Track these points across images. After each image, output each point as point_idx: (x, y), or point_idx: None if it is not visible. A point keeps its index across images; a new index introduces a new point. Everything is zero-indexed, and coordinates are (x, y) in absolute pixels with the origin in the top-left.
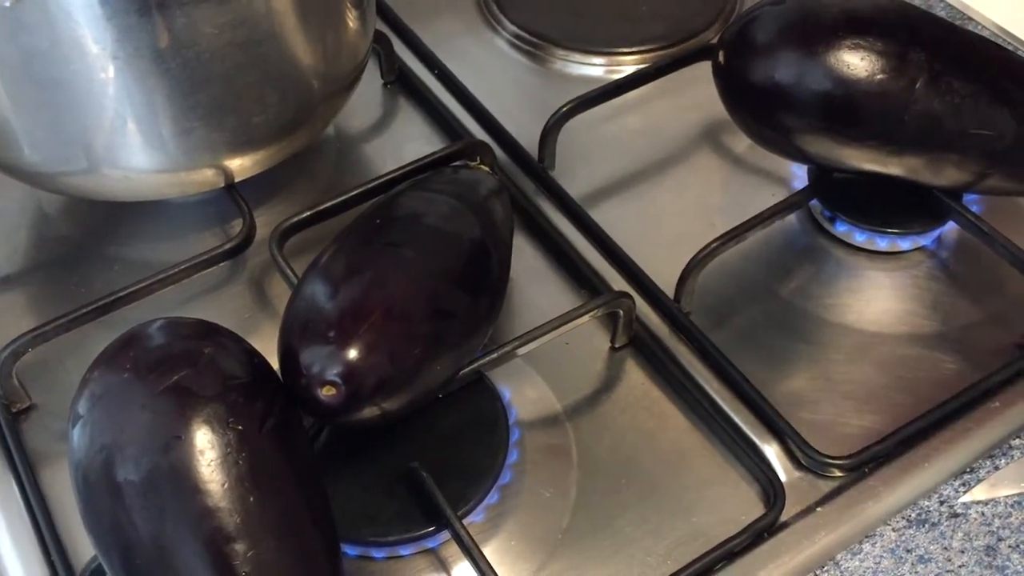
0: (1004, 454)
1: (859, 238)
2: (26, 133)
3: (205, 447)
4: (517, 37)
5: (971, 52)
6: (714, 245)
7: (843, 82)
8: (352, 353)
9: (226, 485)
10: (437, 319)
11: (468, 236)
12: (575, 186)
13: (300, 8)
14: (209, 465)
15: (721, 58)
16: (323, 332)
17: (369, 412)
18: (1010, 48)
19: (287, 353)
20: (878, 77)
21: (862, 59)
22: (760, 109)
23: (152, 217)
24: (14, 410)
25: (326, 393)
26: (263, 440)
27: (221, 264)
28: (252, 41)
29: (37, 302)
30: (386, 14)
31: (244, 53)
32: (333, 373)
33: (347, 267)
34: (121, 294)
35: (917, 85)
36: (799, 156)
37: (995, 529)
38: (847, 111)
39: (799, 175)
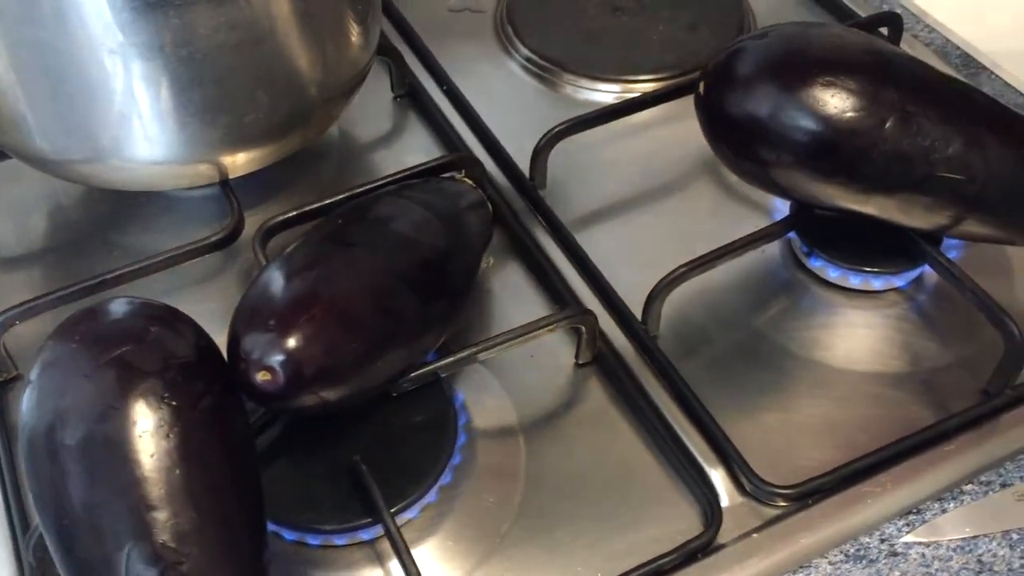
0: (954, 498)
1: (832, 274)
2: (36, 121)
3: (138, 419)
4: (529, 60)
5: (947, 96)
6: (682, 270)
7: (815, 118)
8: (290, 341)
9: (154, 456)
10: (382, 317)
11: (429, 243)
12: (565, 206)
13: (299, 16)
14: (140, 436)
15: (701, 89)
16: (265, 320)
17: (308, 400)
18: (1009, 104)
19: (232, 339)
20: (848, 115)
21: (833, 96)
22: (737, 140)
23: (156, 209)
24: (1, 379)
25: (262, 378)
26: (196, 417)
27: (208, 256)
28: (247, 43)
29: (39, 281)
30: (403, 28)
31: (239, 54)
32: (270, 359)
33: (299, 262)
34: (108, 276)
35: (887, 125)
36: (775, 189)
37: (933, 571)
38: (817, 147)
39: (785, 210)
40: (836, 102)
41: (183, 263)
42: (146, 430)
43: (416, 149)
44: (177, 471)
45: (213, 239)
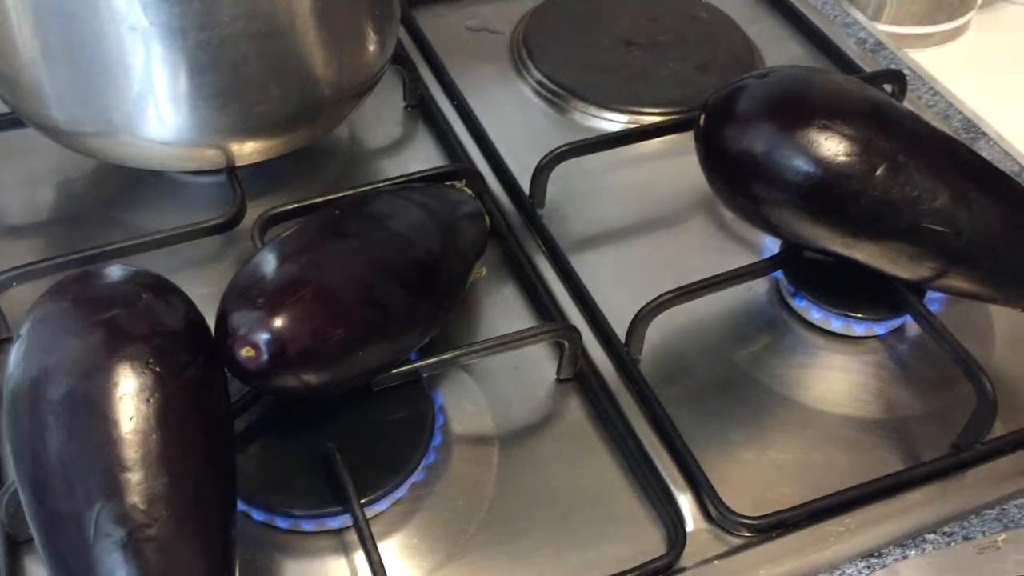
0: (916, 546)
1: (815, 315)
2: (54, 91)
3: (121, 380)
4: (540, 84)
5: (939, 151)
6: (667, 297)
7: (808, 159)
8: (276, 321)
9: (133, 419)
10: (369, 308)
11: (422, 243)
12: (562, 226)
13: (318, 14)
14: (121, 398)
15: (702, 122)
16: (254, 299)
17: (289, 381)
18: (1012, 170)
19: (220, 314)
20: (840, 159)
21: (827, 139)
22: (733, 176)
23: (163, 191)
24: None
25: (246, 354)
26: (178, 385)
27: (208, 240)
28: (265, 34)
29: (41, 250)
30: (420, 41)
31: (256, 44)
32: (255, 336)
33: (293, 246)
34: (108, 248)
35: (877, 172)
36: (765, 226)
37: None
38: (809, 187)
39: (776, 249)
40: (830, 145)
41: (182, 243)
42: (127, 392)
43: (421, 158)
44: (154, 436)
45: (213, 222)
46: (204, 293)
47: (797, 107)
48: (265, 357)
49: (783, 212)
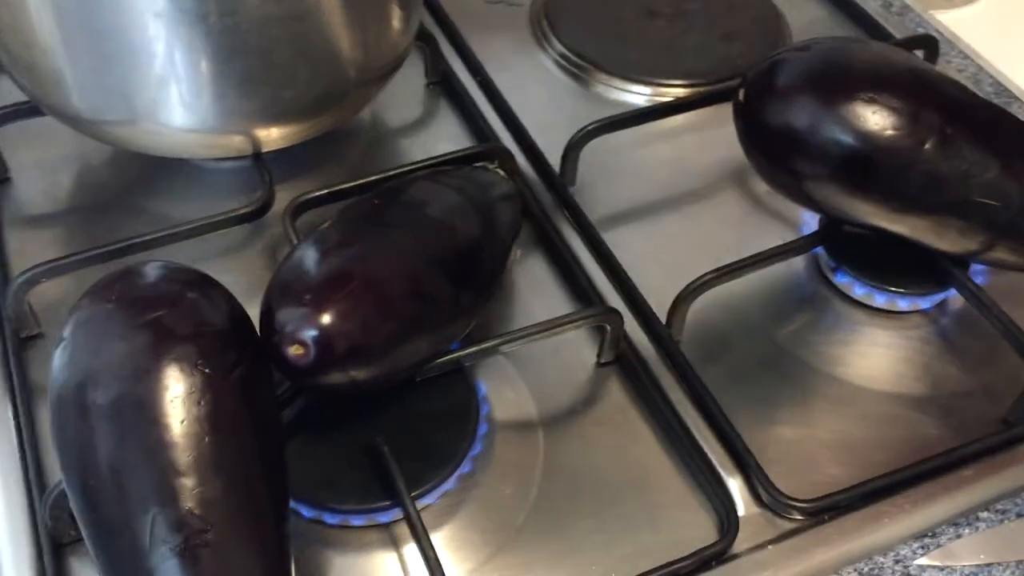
0: (969, 524)
1: (858, 291)
2: (75, 79)
3: (171, 383)
4: (563, 57)
5: (987, 122)
6: (708, 277)
7: (854, 133)
8: (325, 317)
9: (184, 422)
10: (415, 301)
11: (463, 230)
12: (593, 204)
13: None
14: (172, 401)
15: (741, 97)
16: (301, 295)
17: (337, 378)
18: None
19: (266, 311)
20: (888, 133)
21: (874, 113)
22: (774, 151)
23: (185, 178)
24: (22, 335)
25: (294, 352)
26: (228, 386)
27: (242, 228)
28: (292, 17)
29: (64, 240)
30: (439, 17)
31: (283, 28)
32: (303, 333)
33: (337, 239)
34: (137, 240)
35: (926, 145)
36: (807, 202)
37: None
38: (854, 162)
39: (811, 223)
40: (877, 119)
41: (212, 232)
42: (177, 395)
43: (446, 137)
44: (206, 439)
45: (243, 211)
46: (235, 281)
47: (841, 79)
48: (314, 354)
49: (827, 188)
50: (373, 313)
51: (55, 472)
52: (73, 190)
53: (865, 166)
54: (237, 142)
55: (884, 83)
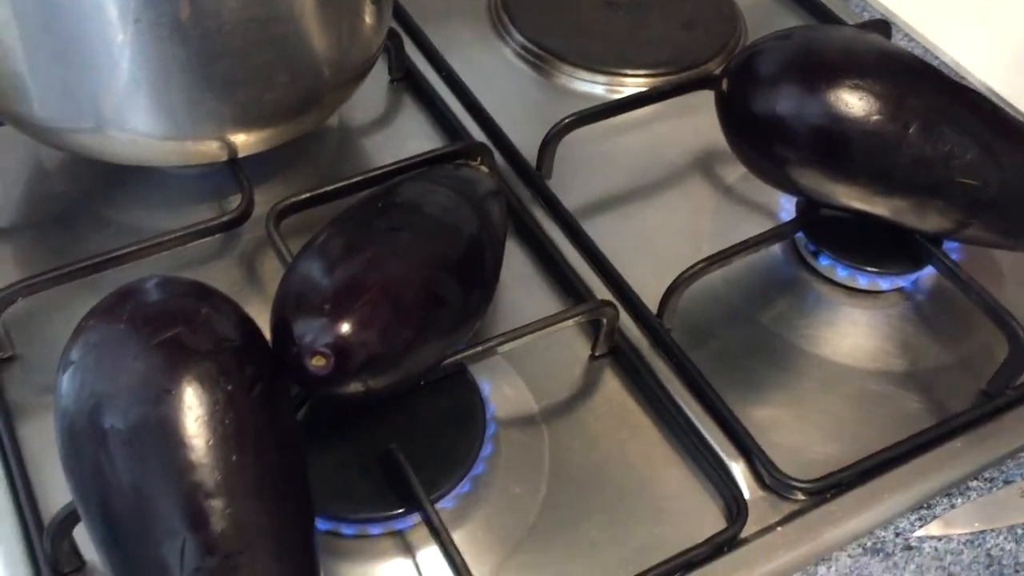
0: (961, 494)
1: (841, 274)
2: (38, 87)
3: (194, 403)
4: (524, 48)
5: (965, 105)
6: (701, 265)
7: (840, 119)
8: (345, 327)
9: (211, 442)
10: (430, 305)
11: (466, 230)
12: (569, 198)
13: None
14: (196, 421)
15: (724, 86)
16: (319, 304)
17: (355, 387)
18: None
19: (280, 323)
20: (874, 118)
21: (860, 99)
22: (758, 139)
23: (150, 185)
24: None
25: (315, 363)
26: (251, 403)
27: (215, 236)
28: (271, 20)
29: (28, 256)
30: (399, 14)
31: (262, 31)
32: (324, 344)
33: (346, 246)
34: (116, 254)
35: (911, 130)
36: (792, 188)
37: (946, 564)
38: (841, 148)
39: (787, 208)
40: (864, 105)
41: (194, 241)
42: (201, 415)
43: (414, 134)
44: (233, 458)
45: (225, 219)
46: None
47: (825, 67)
48: (334, 364)
49: (813, 173)
50: (392, 320)
51: (48, 498)
52: (31, 201)
53: (850, 151)
54: (213, 148)
55: (868, 69)
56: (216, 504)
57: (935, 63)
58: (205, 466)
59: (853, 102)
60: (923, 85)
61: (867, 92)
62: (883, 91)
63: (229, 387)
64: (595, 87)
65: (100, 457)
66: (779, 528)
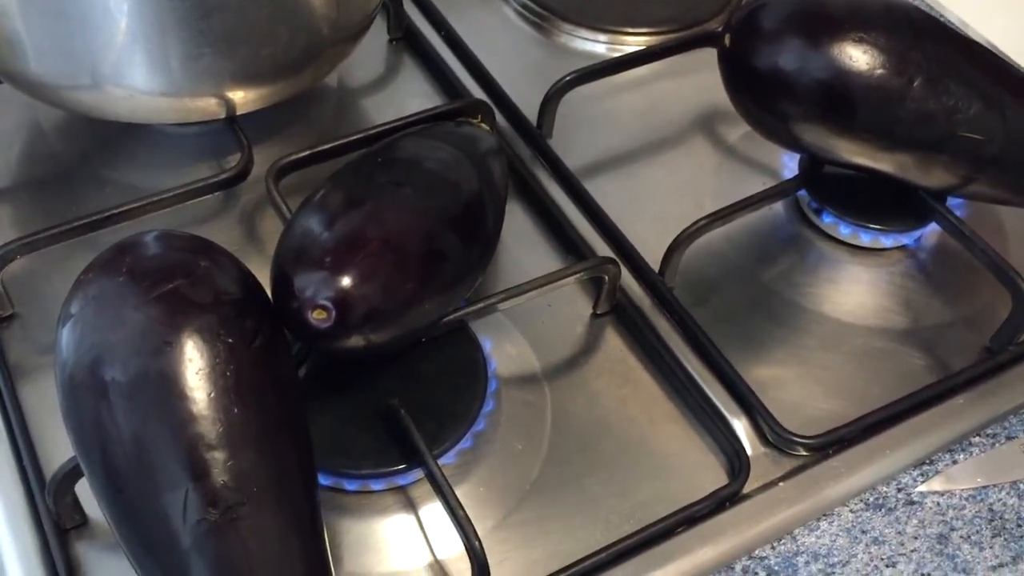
0: (963, 449)
1: (844, 231)
2: (34, 43)
3: (195, 355)
4: (524, 7)
5: (970, 58)
6: (703, 223)
7: (843, 74)
8: (345, 280)
9: (212, 395)
10: (430, 259)
11: (466, 186)
12: (570, 156)
13: None
14: (197, 373)
15: (727, 41)
16: (319, 258)
17: (356, 341)
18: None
19: (280, 277)
20: (878, 72)
21: (864, 52)
22: (761, 94)
23: (147, 144)
24: None
25: (316, 316)
26: (251, 355)
27: (215, 196)
28: None
29: (26, 216)
30: None
31: None
32: (325, 297)
33: (347, 200)
34: (114, 211)
35: (915, 84)
36: (795, 144)
37: (948, 519)
38: (845, 102)
39: (789, 166)
40: (867, 59)
41: (193, 200)
42: (202, 367)
43: (414, 94)
44: (235, 410)
45: (224, 176)
46: None
47: (829, 20)
48: (335, 318)
49: (816, 129)
50: (393, 273)
51: (50, 455)
52: (28, 161)
53: (854, 106)
54: (211, 105)
55: (871, 23)
56: (219, 455)
57: (939, 18)
58: (207, 418)
59: (857, 56)
60: (928, 39)
61: (871, 46)
62: (887, 45)
63: (230, 340)
64: (596, 45)
65: (101, 409)
66: (781, 483)
